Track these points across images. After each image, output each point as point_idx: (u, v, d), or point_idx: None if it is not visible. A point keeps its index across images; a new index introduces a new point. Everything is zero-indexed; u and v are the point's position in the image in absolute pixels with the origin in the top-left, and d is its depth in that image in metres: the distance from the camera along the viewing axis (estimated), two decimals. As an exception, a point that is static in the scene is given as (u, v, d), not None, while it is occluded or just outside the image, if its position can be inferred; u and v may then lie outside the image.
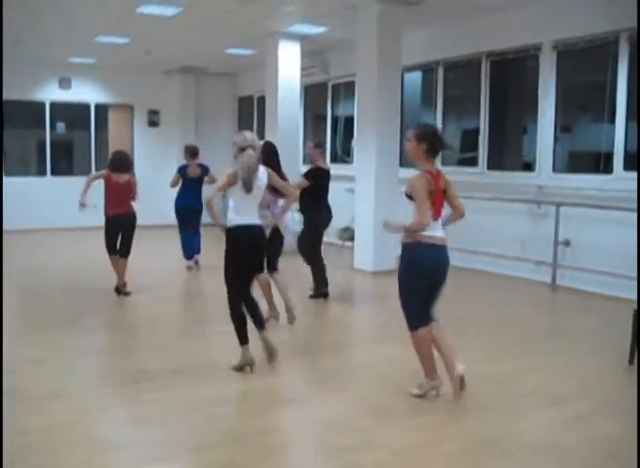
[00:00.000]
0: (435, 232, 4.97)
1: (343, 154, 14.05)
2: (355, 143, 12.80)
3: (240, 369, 5.72)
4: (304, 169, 14.18)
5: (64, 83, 16.45)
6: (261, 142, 6.76)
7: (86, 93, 16.71)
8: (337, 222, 12.57)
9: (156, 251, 12.14)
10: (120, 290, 8.75)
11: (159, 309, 8.23)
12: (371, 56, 10.29)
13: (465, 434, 4.54)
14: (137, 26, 11.87)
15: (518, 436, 4.52)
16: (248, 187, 5.64)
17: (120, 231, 8.76)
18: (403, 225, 5.08)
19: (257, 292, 6.54)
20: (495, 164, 10.75)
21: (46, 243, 13.55)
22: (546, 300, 9.07)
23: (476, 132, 10.96)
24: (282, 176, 6.66)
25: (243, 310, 5.77)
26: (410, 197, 4.96)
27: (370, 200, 10.41)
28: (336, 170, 13.84)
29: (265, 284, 7.24)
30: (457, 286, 9.84)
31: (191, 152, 10.81)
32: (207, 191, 6.91)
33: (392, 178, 10.43)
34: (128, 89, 17.05)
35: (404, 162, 11.16)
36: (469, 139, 11.32)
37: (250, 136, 5.89)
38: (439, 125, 11.46)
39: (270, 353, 5.77)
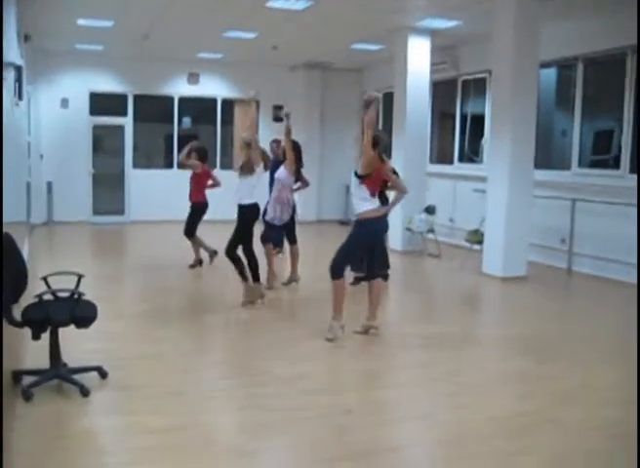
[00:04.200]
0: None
1: (471, 153, 13.58)
2: (485, 143, 12.33)
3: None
4: (432, 167, 13.92)
5: (193, 78, 16.75)
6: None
7: (213, 87, 17.00)
8: (464, 224, 12.19)
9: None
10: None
11: (292, 309, 8.05)
12: (506, 51, 9.78)
13: None
14: (264, 21, 11.82)
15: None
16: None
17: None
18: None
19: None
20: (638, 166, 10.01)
21: (170, 234, 13.74)
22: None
23: (611, 133, 10.28)
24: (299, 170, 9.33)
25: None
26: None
27: (502, 202, 9.88)
28: (463, 170, 13.52)
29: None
30: (593, 297, 9.27)
31: None
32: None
33: (527, 180, 9.91)
34: (254, 84, 17.08)
35: (539, 163, 10.60)
36: (604, 141, 10.66)
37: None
38: (577, 123, 10.85)
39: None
